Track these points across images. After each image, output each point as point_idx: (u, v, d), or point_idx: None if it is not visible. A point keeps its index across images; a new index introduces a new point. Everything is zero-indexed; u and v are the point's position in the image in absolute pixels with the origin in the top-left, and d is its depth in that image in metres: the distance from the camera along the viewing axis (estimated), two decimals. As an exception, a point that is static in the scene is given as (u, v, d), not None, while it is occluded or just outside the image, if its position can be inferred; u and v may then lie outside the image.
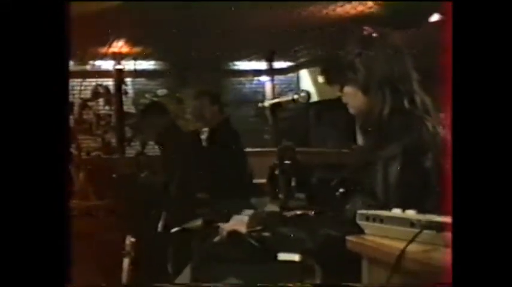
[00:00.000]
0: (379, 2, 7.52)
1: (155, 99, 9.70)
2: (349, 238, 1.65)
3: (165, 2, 6.67)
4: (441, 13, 7.48)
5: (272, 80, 10.75)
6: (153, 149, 9.67)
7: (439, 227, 1.43)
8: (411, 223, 1.48)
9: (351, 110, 2.21)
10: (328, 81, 2.28)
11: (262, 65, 10.62)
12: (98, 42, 7.97)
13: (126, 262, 2.43)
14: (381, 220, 1.57)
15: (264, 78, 10.70)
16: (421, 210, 1.59)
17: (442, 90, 1.41)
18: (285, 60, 10.74)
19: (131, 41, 8.22)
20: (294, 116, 10.31)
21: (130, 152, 9.36)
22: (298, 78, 11.16)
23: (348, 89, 2.18)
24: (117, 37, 7.82)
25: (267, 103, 2.68)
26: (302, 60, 10.41)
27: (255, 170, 6.28)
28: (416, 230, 1.44)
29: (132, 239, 2.47)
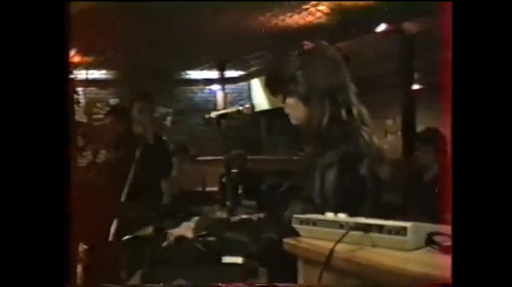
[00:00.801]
0: (338, 9, 7.68)
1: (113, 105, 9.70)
2: (285, 240, 1.77)
3: (118, 10, 6.72)
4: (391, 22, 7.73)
5: (223, 89, 10.86)
6: (104, 158, 9.69)
7: (366, 228, 1.56)
8: (340, 225, 1.61)
9: (293, 121, 2.32)
10: (272, 92, 2.39)
11: (213, 74, 10.72)
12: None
13: (79, 268, 2.51)
14: (314, 223, 1.70)
15: (216, 87, 10.80)
16: (355, 214, 1.73)
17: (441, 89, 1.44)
18: (237, 69, 10.86)
19: (83, 51, 8.24)
20: (245, 125, 10.44)
21: (82, 161, 9.37)
22: (249, 87, 11.29)
23: (289, 100, 2.29)
24: (69, 46, 7.82)
25: (213, 114, 2.80)
26: (253, 69, 10.54)
27: (207, 179, 6.37)
28: (343, 231, 1.58)
29: (85, 246, 2.55)
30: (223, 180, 3.11)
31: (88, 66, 8.97)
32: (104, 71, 9.67)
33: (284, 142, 9.79)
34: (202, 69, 10.56)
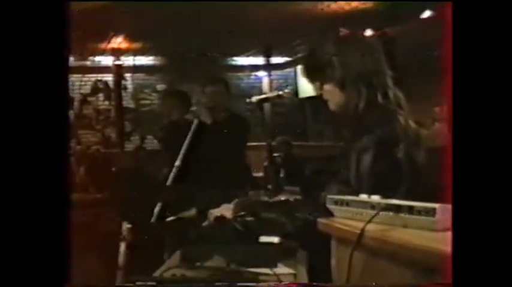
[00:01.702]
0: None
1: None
2: (320, 220, 1.83)
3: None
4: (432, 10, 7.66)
5: (269, 75, 10.89)
6: (151, 143, 9.88)
7: (397, 209, 1.60)
8: (372, 206, 1.65)
9: (331, 107, 2.36)
10: (309, 79, 2.43)
11: (259, 60, 10.76)
12: (98, 38, 8.10)
13: (122, 246, 2.59)
14: (347, 203, 1.75)
15: (262, 73, 10.84)
16: (391, 197, 1.76)
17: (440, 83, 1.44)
18: (282, 55, 10.88)
19: (130, 37, 8.37)
20: (291, 111, 10.48)
21: (129, 146, 9.57)
22: (295, 73, 11.31)
23: (327, 87, 2.33)
24: (116, 33, 7.95)
25: (254, 99, 2.86)
26: (299, 55, 10.54)
27: (252, 164, 6.43)
28: (374, 212, 1.62)
29: (128, 225, 2.63)
30: (265, 164, 3.15)
31: (136, 52, 9.09)
32: (151, 58, 9.79)
33: (329, 129, 9.79)
34: (248, 56, 10.61)
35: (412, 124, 2.23)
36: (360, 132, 2.22)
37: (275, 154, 3.19)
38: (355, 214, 1.70)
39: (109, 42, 8.21)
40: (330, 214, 1.84)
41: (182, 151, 4.10)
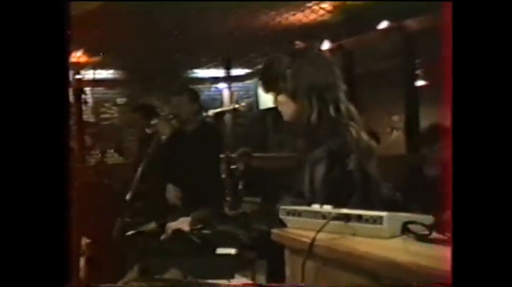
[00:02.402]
0: (342, 7, 7.74)
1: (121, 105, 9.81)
2: (273, 231, 1.87)
3: (123, 9, 6.80)
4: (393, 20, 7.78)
5: (230, 87, 10.93)
6: (112, 157, 9.83)
7: (346, 218, 1.66)
8: (323, 215, 1.70)
9: (285, 117, 2.41)
10: (265, 90, 2.47)
11: (220, 72, 10.80)
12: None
13: (82, 261, 2.61)
14: (299, 213, 1.80)
15: (222, 85, 10.88)
16: (343, 207, 1.81)
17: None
18: (243, 67, 10.93)
19: (90, 51, 8.34)
20: (252, 123, 10.51)
21: (90, 161, 9.51)
22: (255, 84, 11.38)
23: (280, 98, 2.37)
24: (76, 47, 7.91)
25: (210, 112, 2.90)
26: (259, 67, 10.61)
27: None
28: (324, 221, 1.67)
29: (87, 240, 2.65)
30: (224, 176, 3.20)
31: (95, 66, 9.06)
32: (111, 71, 9.75)
33: (288, 140, 9.85)
34: (208, 68, 10.64)
35: (364, 136, 2.28)
36: (313, 144, 2.27)
37: (233, 166, 3.22)
38: (307, 224, 1.75)
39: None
40: (283, 224, 1.89)
41: (142, 164, 4.11)
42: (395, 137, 10.18)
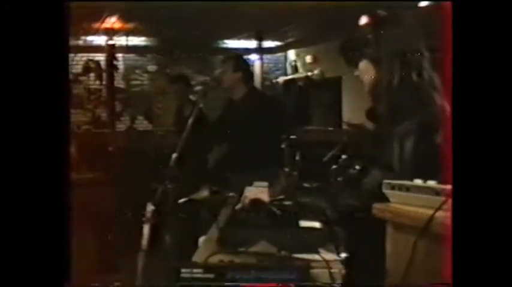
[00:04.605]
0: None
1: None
2: (375, 205, 1.79)
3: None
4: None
5: (261, 59, 10.82)
6: (141, 123, 9.80)
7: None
8: (436, 192, 1.62)
9: (365, 87, 2.36)
10: (346, 60, 2.42)
11: (251, 44, 10.68)
12: (91, 17, 7.97)
13: (146, 228, 2.53)
14: (407, 189, 1.71)
15: (253, 57, 10.77)
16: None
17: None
18: (274, 40, 10.81)
19: (124, 17, 8.24)
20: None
21: (120, 126, 9.48)
22: (285, 57, 11.28)
23: (361, 65, 2.36)
24: (110, 13, 7.83)
25: (280, 79, 2.82)
26: (290, 40, 10.50)
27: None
28: (441, 198, 1.58)
29: (152, 207, 2.57)
30: (283, 146, 3.10)
31: (128, 33, 8.95)
32: (143, 38, 9.65)
33: (320, 114, 9.76)
34: (239, 39, 10.51)
35: (447, 107, 2.20)
36: (396, 113, 2.20)
37: (292, 136, 3.14)
38: (417, 200, 1.67)
39: (103, 21, 8.06)
40: (377, 199, 1.81)
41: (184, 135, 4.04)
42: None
